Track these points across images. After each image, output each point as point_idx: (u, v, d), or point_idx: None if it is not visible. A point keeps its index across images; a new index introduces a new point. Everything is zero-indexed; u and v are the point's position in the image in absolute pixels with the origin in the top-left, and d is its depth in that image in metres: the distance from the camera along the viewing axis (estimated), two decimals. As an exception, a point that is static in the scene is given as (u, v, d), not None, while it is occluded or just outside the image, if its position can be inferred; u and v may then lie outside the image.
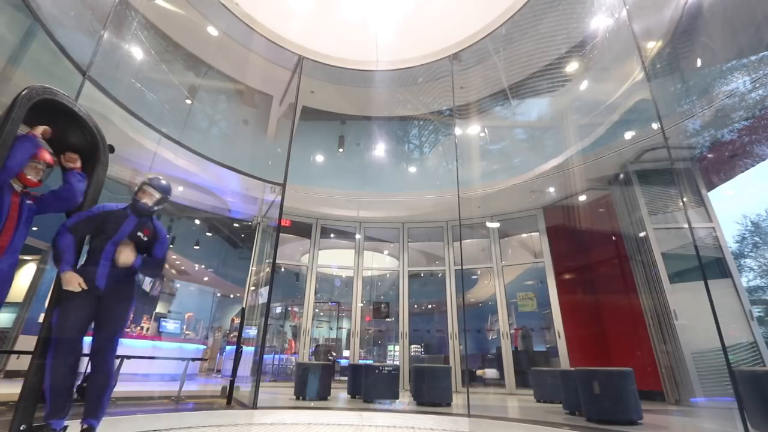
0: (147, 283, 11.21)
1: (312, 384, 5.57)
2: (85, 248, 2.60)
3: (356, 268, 9.30)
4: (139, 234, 2.63)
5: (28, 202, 2.34)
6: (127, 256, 2.49)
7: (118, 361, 4.64)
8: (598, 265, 7.83)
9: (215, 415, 3.89)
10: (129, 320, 2.74)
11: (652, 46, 5.78)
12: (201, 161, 6.31)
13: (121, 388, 4.65)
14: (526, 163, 7.79)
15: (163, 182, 2.75)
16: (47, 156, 2.43)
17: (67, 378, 2.31)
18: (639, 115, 5.99)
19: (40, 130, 2.36)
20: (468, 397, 4.91)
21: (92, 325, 2.47)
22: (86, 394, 2.40)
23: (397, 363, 8.72)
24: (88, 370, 2.45)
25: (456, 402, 5.53)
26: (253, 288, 8.36)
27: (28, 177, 2.33)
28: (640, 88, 5.72)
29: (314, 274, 8.98)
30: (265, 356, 8.87)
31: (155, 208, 2.71)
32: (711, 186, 6.50)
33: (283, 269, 10.84)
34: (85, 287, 2.36)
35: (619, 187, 6.98)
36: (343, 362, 10.24)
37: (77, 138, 2.67)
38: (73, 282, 2.32)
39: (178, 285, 13.37)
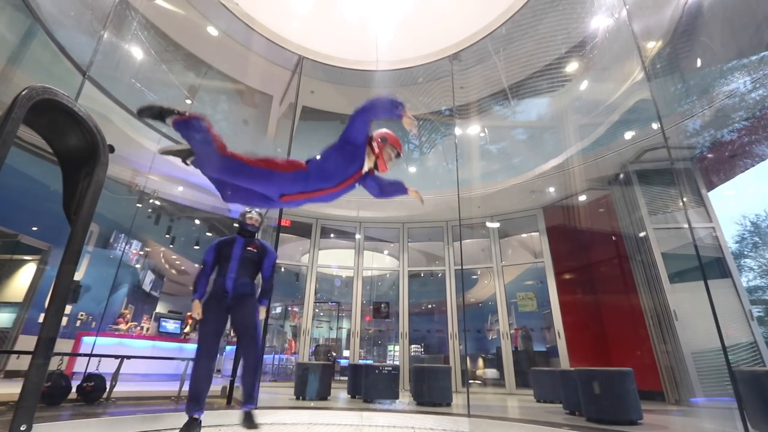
0: (147, 282, 11.22)
1: (312, 384, 5.56)
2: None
3: (356, 268, 9.30)
4: (249, 249, 3.27)
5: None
6: None
7: (117, 361, 4.64)
8: (598, 265, 7.82)
9: (215, 415, 3.88)
10: (260, 322, 3.40)
11: (652, 46, 5.77)
12: (201, 161, 6.29)
13: (120, 388, 4.65)
14: (525, 163, 7.78)
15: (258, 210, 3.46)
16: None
17: (209, 378, 2.89)
18: (639, 115, 5.99)
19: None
20: (468, 397, 4.90)
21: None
22: (242, 386, 2.95)
23: (397, 363, 8.72)
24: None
25: (456, 402, 5.53)
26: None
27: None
28: (640, 88, 5.72)
29: (314, 274, 8.97)
30: (265, 356, 8.87)
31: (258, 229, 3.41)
32: (711, 186, 6.50)
33: (283, 269, 10.84)
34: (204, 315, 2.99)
35: (619, 187, 6.98)
36: (343, 362, 10.23)
37: (77, 138, 2.68)
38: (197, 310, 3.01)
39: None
